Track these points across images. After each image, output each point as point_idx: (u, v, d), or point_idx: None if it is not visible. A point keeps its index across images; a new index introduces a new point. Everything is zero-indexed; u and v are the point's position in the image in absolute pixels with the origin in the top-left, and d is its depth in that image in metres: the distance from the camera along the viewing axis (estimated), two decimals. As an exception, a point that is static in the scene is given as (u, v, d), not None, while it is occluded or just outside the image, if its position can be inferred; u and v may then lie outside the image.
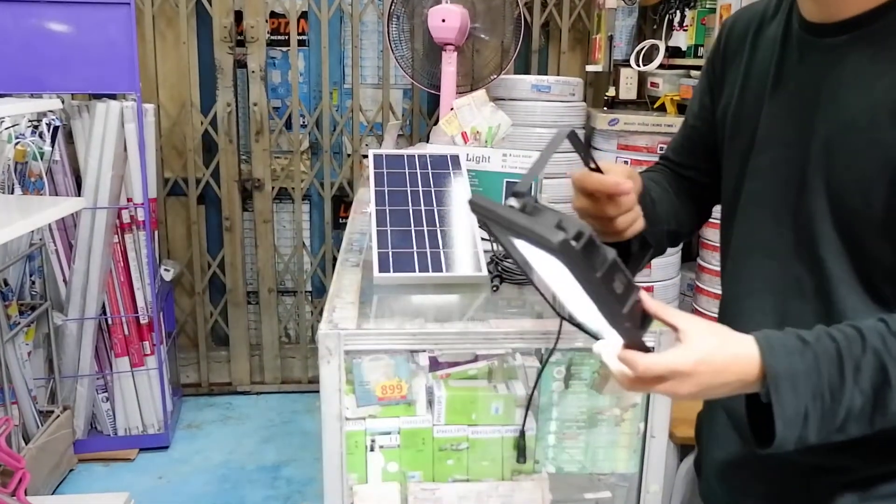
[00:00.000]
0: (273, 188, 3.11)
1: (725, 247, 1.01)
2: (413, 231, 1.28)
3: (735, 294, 0.96)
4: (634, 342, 0.72)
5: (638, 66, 2.75)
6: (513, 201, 0.70)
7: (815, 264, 0.83)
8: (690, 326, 0.73)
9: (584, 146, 0.83)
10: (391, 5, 2.52)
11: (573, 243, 0.63)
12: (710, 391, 0.72)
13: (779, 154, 0.87)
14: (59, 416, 2.47)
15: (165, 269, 2.79)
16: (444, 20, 2.31)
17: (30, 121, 2.42)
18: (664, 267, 2.47)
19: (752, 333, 0.73)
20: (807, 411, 0.71)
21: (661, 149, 2.60)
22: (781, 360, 0.71)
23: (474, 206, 0.73)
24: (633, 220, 0.89)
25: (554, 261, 0.66)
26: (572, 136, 0.80)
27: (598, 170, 0.86)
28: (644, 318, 0.73)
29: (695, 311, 2.42)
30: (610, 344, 0.75)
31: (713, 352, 0.71)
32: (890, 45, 0.78)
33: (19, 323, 2.35)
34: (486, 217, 0.72)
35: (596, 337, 0.79)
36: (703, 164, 1.07)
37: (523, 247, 0.71)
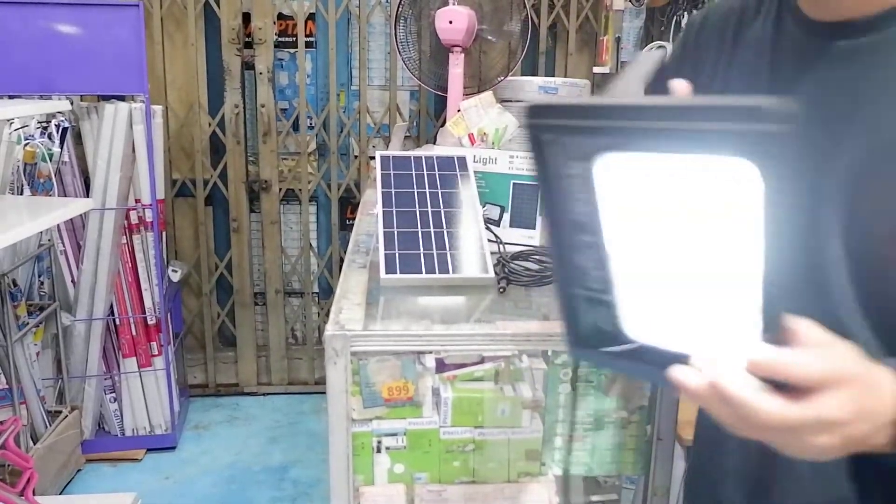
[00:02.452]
0: (280, 189, 3.11)
1: None
2: (420, 232, 1.28)
3: None
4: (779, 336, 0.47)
5: (645, 67, 2.74)
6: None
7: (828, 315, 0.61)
8: (813, 330, 0.49)
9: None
10: (399, 7, 2.52)
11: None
12: (860, 424, 0.49)
13: None
14: (67, 416, 2.48)
15: (173, 270, 2.80)
16: (451, 22, 2.31)
17: (39, 122, 2.43)
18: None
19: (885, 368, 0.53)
20: None
21: (669, 150, 2.60)
22: None
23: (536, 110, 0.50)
24: None
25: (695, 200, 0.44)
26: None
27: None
28: None
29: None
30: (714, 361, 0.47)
31: (857, 361, 0.50)
32: None
33: (28, 323, 2.36)
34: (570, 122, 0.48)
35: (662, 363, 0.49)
36: None
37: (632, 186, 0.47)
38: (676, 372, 0.48)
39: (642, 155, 0.45)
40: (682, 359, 0.48)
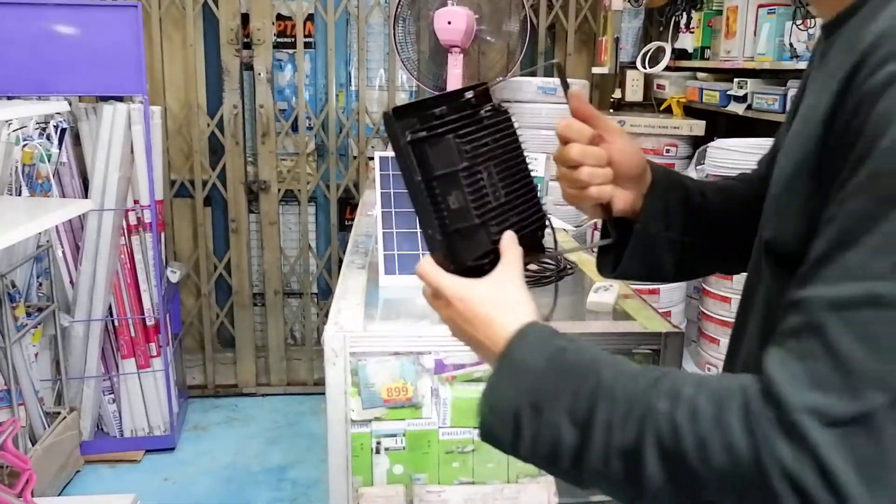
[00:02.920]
0: (279, 190, 3.11)
1: None
2: (419, 233, 1.27)
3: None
4: (442, 255, 0.69)
5: (644, 67, 2.74)
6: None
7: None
8: (510, 264, 0.68)
9: (564, 78, 0.79)
10: (397, 8, 2.52)
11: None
12: (461, 335, 0.69)
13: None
14: (65, 417, 2.48)
15: (172, 271, 2.80)
16: (449, 22, 2.31)
17: (37, 123, 2.43)
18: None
19: (531, 318, 0.66)
20: (519, 412, 0.60)
21: (668, 151, 2.60)
22: (525, 350, 0.63)
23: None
24: (601, 178, 0.78)
25: None
26: (557, 67, 0.79)
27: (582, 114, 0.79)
28: (471, 243, 0.68)
29: (701, 315, 2.41)
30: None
31: (482, 301, 0.66)
32: (829, 63, 0.61)
33: (26, 324, 2.36)
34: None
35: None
36: None
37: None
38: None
39: None
40: None
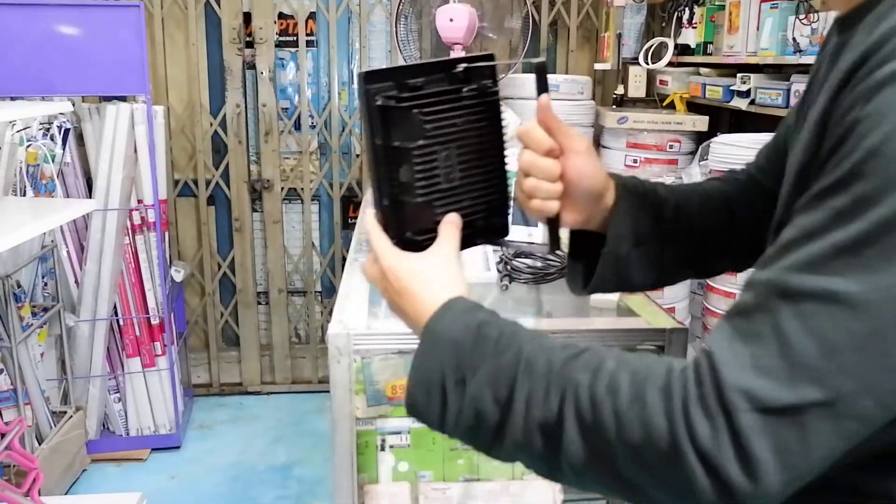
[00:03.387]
0: (282, 189, 3.11)
1: None
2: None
3: None
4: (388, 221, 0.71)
5: (647, 63, 2.74)
6: None
7: None
8: (443, 245, 0.70)
9: (545, 82, 0.72)
10: (399, 5, 2.52)
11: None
12: (394, 306, 0.71)
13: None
14: (71, 416, 2.49)
15: (176, 270, 2.80)
16: (451, 20, 2.30)
17: (41, 123, 2.43)
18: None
19: (457, 294, 0.67)
20: (443, 385, 0.61)
21: (671, 147, 2.60)
22: (442, 320, 0.64)
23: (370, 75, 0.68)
24: (544, 193, 0.74)
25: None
26: (539, 68, 0.71)
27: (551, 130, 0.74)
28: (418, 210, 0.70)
29: (705, 311, 2.41)
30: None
31: (410, 272, 0.68)
32: (840, 64, 0.57)
33: (32, 324, 2.37)
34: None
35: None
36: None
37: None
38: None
39: None
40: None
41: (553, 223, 0.77)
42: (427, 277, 0.68)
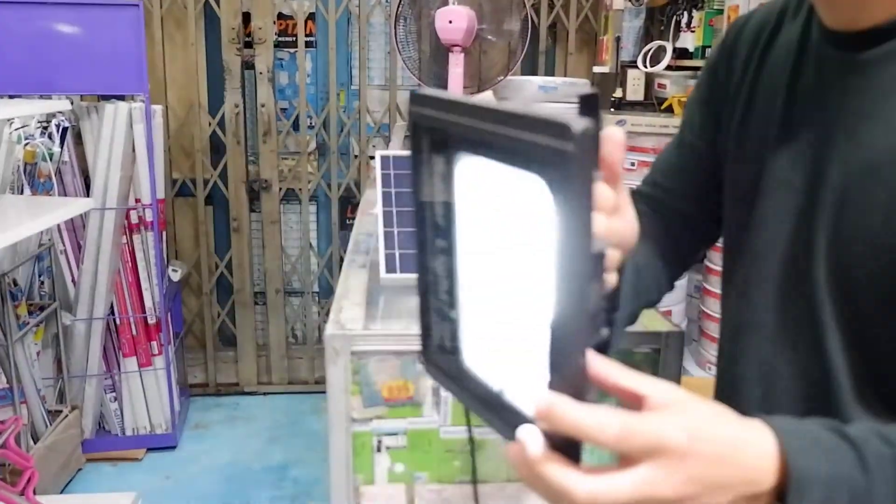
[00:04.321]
0: (280, 189, 3.11)
1: (726, 314, 0.77)
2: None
3: (731, 377, 0.73)
4: (575, 384, 0.41)
5: (645, 67, 2.74)
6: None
7: (817, 356, 0.62)
8: (667, 392, 0.45)
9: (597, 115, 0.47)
10: (398, 7, 2.52)
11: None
12: (703, 498, 0.43)
13: (787, 203, 0.66)
14: (67, 415, 2.48)
15: (173, 270, 2.80)
16: (451, 21, 2.31)
17: (39, 122, 2.43)
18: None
19: (758, 417, 0.48)
20: None
21: (669, 150, 2.60)
22: (814, 459, 0.46)
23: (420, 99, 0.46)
24: (612, 264, 0.58)
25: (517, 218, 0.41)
26: (589, 100, 0.45)
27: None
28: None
29: (701, 314, 2.41)
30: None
31: (713, 426, 0.45)
32: None
33: (28, 323, 2.36)
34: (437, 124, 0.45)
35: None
36: (699, 191, 0.81)
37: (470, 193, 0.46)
38: (523, 434, 0.42)
39: (489, 163, 0.42)
40: (517, 416, 0.43)
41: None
42: (721, 415, 0.46)
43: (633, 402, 0.44)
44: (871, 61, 0.60)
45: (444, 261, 0.49)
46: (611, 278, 0.58)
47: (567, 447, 0.41)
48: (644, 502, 0.42)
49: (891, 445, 0.47)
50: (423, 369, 0.52)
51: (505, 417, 0.44)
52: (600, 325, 0.41)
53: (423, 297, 0.51)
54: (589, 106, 0.47)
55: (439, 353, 0.51)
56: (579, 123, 0.36)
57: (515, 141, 0.38)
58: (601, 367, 0.44)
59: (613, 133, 0.47)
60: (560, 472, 0.41)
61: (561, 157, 0.36)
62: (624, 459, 0.42)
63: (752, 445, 0.45)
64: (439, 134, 0.46)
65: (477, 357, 0.49)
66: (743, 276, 0.72)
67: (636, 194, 0.84)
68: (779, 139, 0.67)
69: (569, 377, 0.40)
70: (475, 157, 0.44)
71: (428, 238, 0.49)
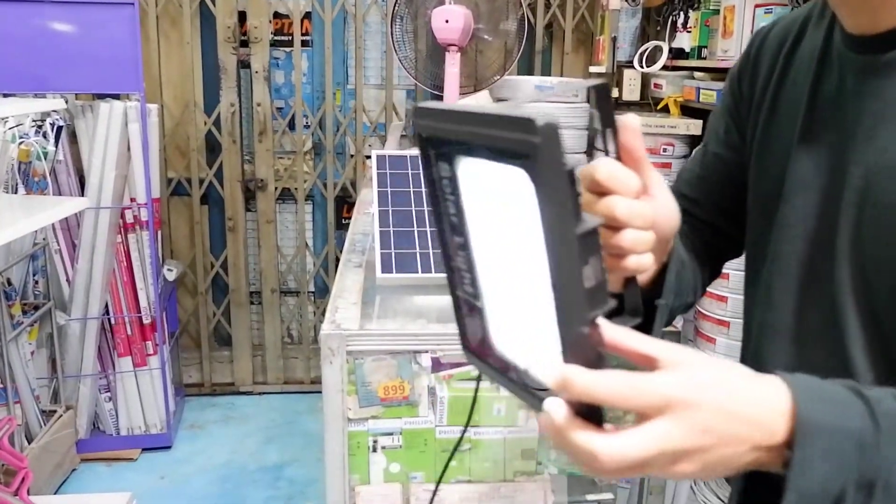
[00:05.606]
0: (276, 188, 3.11)
1: (748, 318, 0.78)
2: (416, 232, 1.28)
3: None
4: (586, 355, 0.44)
5: (641, 67, 2.74)
6: None
7: (839, 357, 0.63)
8: (678, 352, 0.47)
9: (610, 107, 0.57)
10: (395, 6, 2.52)
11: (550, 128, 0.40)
12: (720, 448, 0.45)
13: (808, 206, 0.67)
14: (61, 415, 2.47)
15: (168, 269, 2.79)
16: (447, 21, 2.30)
17: (34, 120, 2.42)
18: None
19: (774, 373, 0.49)
20: (842, 495, 0.47)
21: (665, 150, 2.60)
22: (821, 410, 0.47)
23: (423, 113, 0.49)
24: (644, 245, 0.57)
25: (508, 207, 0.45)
26: (601, 90, 0.55)
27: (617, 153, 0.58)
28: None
29: (697, 314, 2.42)
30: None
31: (724, 379, 0.47)
32: None
33: (22, 322, 2.36)
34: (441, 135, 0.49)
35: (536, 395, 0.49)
36: (727, 203, 0.81)
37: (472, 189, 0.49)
38: (550, 405, 0.45)
39: (483, 163, 0.46)
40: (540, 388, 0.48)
41: (634, 282, 0.60)
42: (733, 369, 0.48)
43: (648, 364, 0.47)
44: (891, 63, 0.61)
45: (463, 256, 0.53)
46: (645, 260, 0.58)
47: (589, 413, 0.45)
48: (662, 455, 0.44)
49: None
50: (466, 359, 0.56)
51: (534, 392, 0.49)
52: (604, 297, 0.45)
53: (454, 294, 0.56)
54: (599, 97, 0.54)
55: (474, 341, 0.56)
56: (542, 118, 0.40)
57: (497, 140, 0.43)
58: (616, 334, 0.47)
59: (629, 121, 0.54)
60: (584, 437, 0.44)
61: (532, 149, 0.41)
62: (639, 418, 0.45)
63: (766, 398, 0.47)
64: (440, 142, 0.50)
65: (504, 340, 0.52)
66: (765, 279, 0.73)
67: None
68: (801, 143, 0.68)
69: (578, 349, 0.44)
70: (471, 158, 0.48)
71: (448, 239, 0.54)
